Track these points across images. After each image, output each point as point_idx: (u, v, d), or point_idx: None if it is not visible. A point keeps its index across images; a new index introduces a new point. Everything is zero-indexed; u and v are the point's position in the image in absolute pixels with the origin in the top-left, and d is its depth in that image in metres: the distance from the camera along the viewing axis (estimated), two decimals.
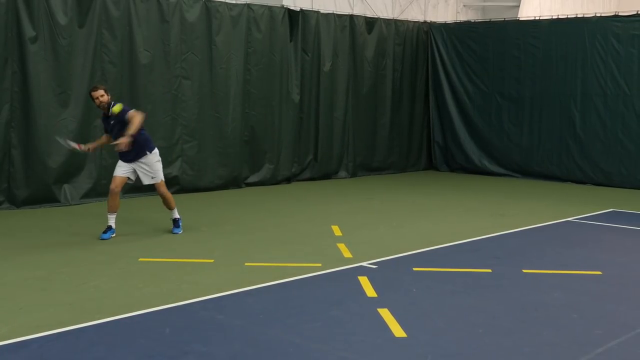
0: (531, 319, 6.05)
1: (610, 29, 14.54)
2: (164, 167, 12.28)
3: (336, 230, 9.62)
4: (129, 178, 8.98)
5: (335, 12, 15.14)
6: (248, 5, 13.47)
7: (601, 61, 14.67)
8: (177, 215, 9.28)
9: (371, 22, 15.83)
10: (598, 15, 14.93)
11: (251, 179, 13.78)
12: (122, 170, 8.90)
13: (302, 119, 14.68)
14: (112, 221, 8.86)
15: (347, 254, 8.24)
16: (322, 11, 14.91)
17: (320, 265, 7.67)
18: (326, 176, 15.19)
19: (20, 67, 10.73)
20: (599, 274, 7.63)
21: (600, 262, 8.20)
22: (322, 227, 9.88)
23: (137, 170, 8.94)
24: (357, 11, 16.00)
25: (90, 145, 9.25)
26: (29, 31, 10.74)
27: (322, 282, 7.10)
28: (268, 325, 5.72)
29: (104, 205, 11.26)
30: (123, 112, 8.69)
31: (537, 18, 16.26)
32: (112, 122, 8.84)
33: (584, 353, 5.27)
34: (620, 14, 14.77)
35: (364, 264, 7.74)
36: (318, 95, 14.91)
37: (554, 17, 15.86)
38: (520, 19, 17.12)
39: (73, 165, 11.30)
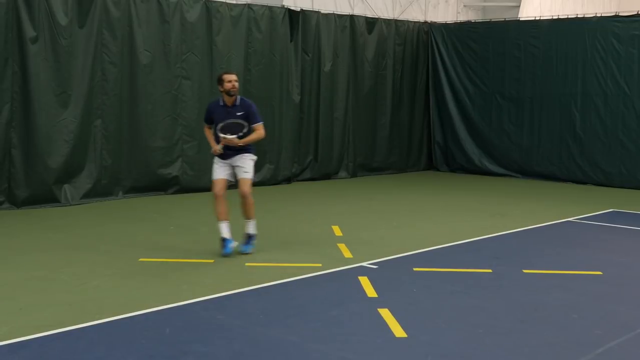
0: (531, 319, 6.05)
1: (610, 29, 14.53)
2: (164, 167, 12.44)
3: (336, 231, 9.62)
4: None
5: (335, 13, 15.14)
6: (248, 6, 13.47)
7: (601, 61, 14.67)
8: (252, 231, 8.24)
9: (371, 23, 15.83)
10: (598, 15, 14.93)
11: None
12: (223, 171, 8.19)
13: (303, 119, 14.68)
14: (225, 231, 8.06)
15: (347, 254, 8.24)
16: (322, 11, 14.91)
17: (320, 265, 7.67)
18: (326, 176, 15.19)
19: (21, 68, 10.73)
20: (599, 274, 7.63)
21: (601, 262, 8.20)
22: (323, 227, 9.88)
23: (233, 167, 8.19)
24: (357, 11, 16.00)
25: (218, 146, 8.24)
26: (29, 31, 10.74)
27: (322, 282, 7.10)
28: (268, 325, 5.72)
29: (104, 205, 11.31)
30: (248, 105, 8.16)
31: (537, 18, 16.26)
32: (236, 113, 8.07)
33: (584, 353, 5.28)
34: (620, 14, 14.77)
35: (365, 264, 7.75)
36: (318, 96, 14.91)
37: (554, 18, 15.87)
38: (521, 19, 17.12)
39: (73, 165, 11.30)
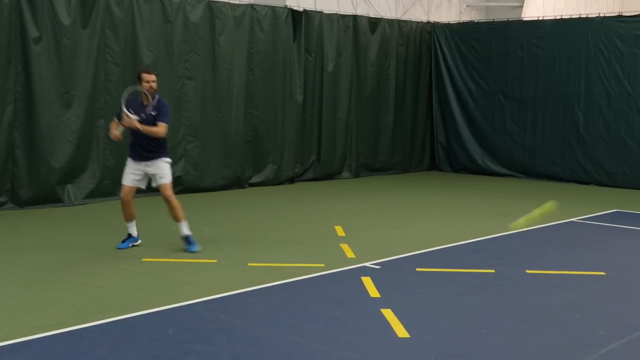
0: (534, 319, 6.04)
1: (613, 29, 14.51)
2: None
3: (339, 231, 9.62)
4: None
5: (338, 13, 15.14)
6: (251, 6, 13.47)
7: (605, 61, 14.65)
8: (186, 232, 8.24)
9: (374, 23, 15.83)
10: (602, 15, 14.91)
11: (254, 179, 13.78)
12: (133, 178, 8.22)
13: (305, 120, 14.68)
14: (133, 229, 8.38)
15: (350, 254, 8.24)
16: (325, 11, 14.91)
17: (323, 265, 7.67)
18: (329, 176, 15.19)
19: (24, 68, 10.74)
20: (603, 275, 7.62)
21: (604, 262, 8.19)
22: (325, 228, 9.87)
23: (147, 173, 8.25)
24: (360, 11, 15.99)
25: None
26: (32, 32, 10.75)
27: (325, 283, 7.10)
28: (271, 325, 5.72)
29: (107, 205, 11.32)
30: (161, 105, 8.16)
31: (540, 18, 16.23)
32: (148, 113, 8.06)
33: (588, 354, 5.27)
34: (623, 14, 14.75)
35: (367, 264, 7.74)
36: (321, 96, 14.91)
37: (557, 18, 15.85)
38: (524, 19, 17.10)
39: (76, 165, 11.30)
